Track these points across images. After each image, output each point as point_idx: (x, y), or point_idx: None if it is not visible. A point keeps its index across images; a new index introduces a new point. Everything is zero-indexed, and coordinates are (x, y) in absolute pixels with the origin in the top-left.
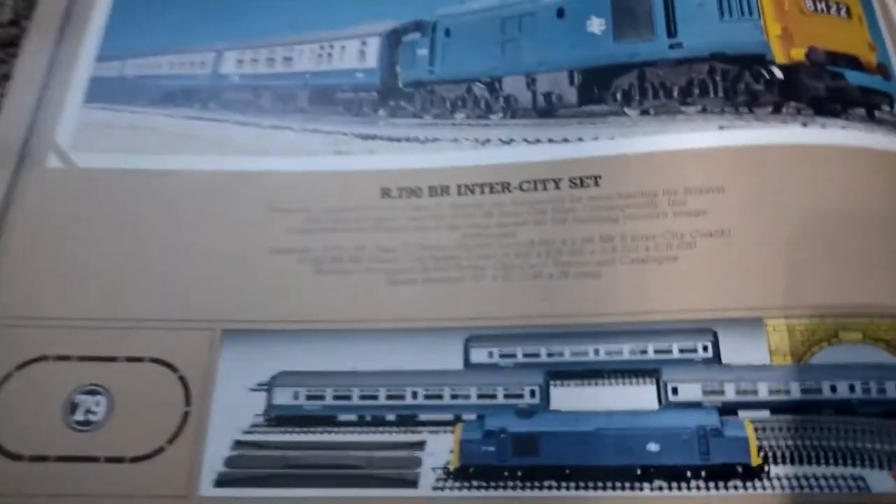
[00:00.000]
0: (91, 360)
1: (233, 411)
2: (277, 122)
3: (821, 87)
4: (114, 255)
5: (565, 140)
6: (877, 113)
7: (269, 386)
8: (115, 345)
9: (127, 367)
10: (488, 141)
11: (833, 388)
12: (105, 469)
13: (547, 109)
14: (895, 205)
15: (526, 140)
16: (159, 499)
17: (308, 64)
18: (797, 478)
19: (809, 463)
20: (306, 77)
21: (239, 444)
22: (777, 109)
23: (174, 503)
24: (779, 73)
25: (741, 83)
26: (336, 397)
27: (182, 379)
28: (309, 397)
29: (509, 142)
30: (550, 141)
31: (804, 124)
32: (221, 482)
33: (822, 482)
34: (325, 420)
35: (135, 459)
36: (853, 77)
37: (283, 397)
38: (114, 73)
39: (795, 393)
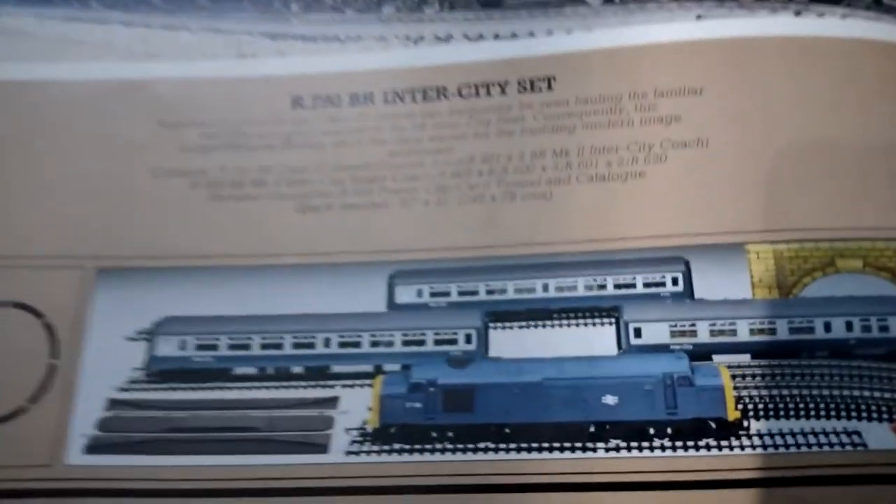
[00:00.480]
0: None
1: (108, 364)
2: (171, 22)
3: None
4: None
5: (514, 35)
6: None
7: (150, 334)
8: None
9: None
10: (422, 38)
11: (827, 327)
12: None
13: None
14: None
15: (467, 36)
16: (19, 469)
17: None
18: (781, 434)
19: (796, 416)
20: None
21: (114, 403)
22: None
23: (37, 473)
24: None
25: None
26: (232, 347)
27: (48, 326)
28: (199, 347)
29: (447, 39)
30: (496, 37)
31: (797, 13)
32: (92, 448)
33: (811, 438)
34: (219, 374)
35: None
36: None
37: (167, 347)
38: None
39: (782, 332)
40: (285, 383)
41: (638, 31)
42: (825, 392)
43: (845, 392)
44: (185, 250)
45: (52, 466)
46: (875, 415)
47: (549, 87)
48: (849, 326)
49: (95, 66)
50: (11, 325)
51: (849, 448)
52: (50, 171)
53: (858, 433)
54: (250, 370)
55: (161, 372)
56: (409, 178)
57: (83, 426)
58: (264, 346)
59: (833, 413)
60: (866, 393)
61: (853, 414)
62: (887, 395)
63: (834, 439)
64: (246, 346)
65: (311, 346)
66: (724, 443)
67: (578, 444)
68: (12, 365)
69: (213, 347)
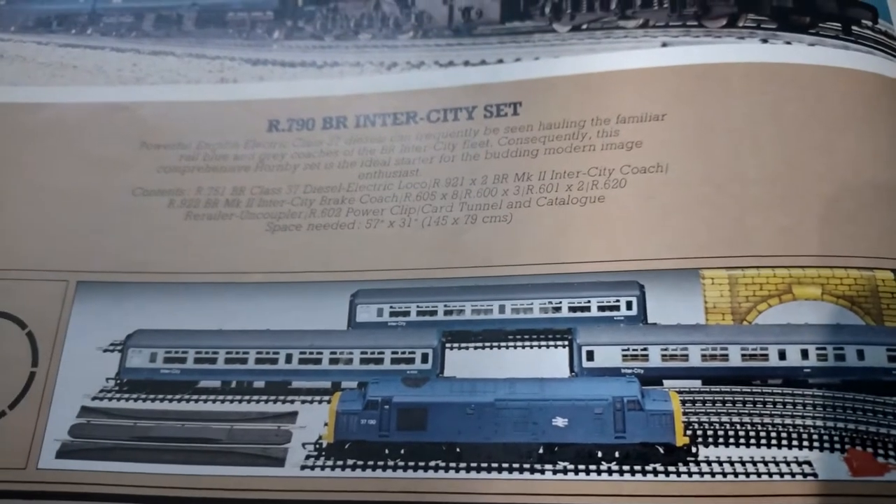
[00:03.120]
0: None
1: (82, 374)
2: (158, 48)
3: None
4: None
5: (483, 62)
6: (854, 28)
7: (122, 346)
8: None
9: None
10: (395, 65)
11: (782, 354)
12: None
13: (464, 27)
14: (871, 136)
15: (438, 63)
16: None
17: None
18: (730, 461)
19: (746, 444)
20: None
21: (86, 410)
22: (732, 23)
23: (11, 476)
24: None
25: None
26: (198, 360)
27: (30, 335)
28: (168, 360)
29: (419, 65)
30: (466, 64)
31: (765, 40)
32: (63, 453)
33: (761, 467)
34: (185, 386)
35: None
36: None
37: (137, 359)
38: None
39: (735, 359)
40: (247, 397)
41: (603, 58)
42: (777, 420)
43: (797, 421)
44: (159, 266)
45: (25, 470)
46: (827, 445)
47: (515, 112)
48: (804, 355)
49: (86, 89)
50: None
51: (799, 477)
52: (36, 188)
53: (809, 463)
54: (214, 383)
55: (130, 382)
56: (376, 199)
57: (57, 431)
58: (228, 361)
59: (784, 442)
60: (819, 422)
61: (805, 443)
62: (840, 426)
63: (784, 468)
64: (212, 360)
65: (273, 361)
66: (671, 468)
67: (527, 466)
68: None
69: (181, 360)
